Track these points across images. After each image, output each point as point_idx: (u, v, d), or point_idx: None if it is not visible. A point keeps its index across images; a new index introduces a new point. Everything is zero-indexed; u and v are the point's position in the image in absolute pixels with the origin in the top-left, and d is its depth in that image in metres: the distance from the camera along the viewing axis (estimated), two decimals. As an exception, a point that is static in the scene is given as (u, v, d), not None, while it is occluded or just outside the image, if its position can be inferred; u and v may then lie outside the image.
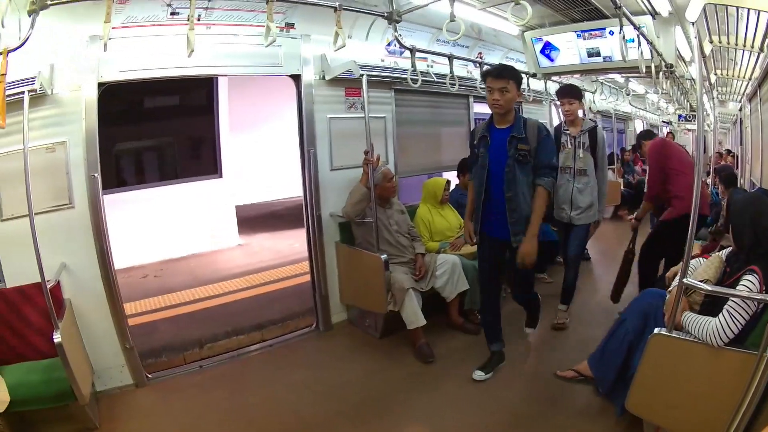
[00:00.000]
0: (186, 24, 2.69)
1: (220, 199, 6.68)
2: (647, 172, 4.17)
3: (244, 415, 2.85)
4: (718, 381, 1.97)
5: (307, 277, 4.06)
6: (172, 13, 3.08)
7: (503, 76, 2.77)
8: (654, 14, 3.99)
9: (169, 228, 6.12)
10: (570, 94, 3.74)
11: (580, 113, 3.86)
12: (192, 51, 2.58)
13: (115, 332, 3.10)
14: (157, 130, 6.78)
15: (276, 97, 7.38)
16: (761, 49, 4.10)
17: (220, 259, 6.20)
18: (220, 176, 6.68)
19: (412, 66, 3.67)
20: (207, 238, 6.46)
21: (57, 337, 2.37)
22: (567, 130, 3.78)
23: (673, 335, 2.06)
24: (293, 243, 6.40)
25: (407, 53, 3.76)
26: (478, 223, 3.01)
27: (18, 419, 2.50)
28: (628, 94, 7.91)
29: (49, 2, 2.30)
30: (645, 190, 4.11)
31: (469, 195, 3.22)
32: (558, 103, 3.99)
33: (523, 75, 5.16)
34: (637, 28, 3.54)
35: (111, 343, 3.09)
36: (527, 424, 2.66)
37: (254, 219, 7.99)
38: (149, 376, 3.24)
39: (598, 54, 4.62)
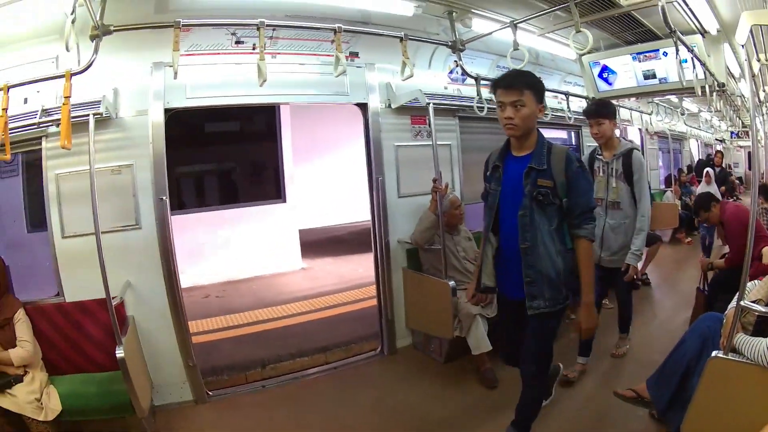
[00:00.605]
0: (250, 53, 2.80)
1: (283, 223, 6.77)
2: (730, 237, 3.87)
3: (305, 433, 2.88)
4: None
5: (372, 302, 4.11)
6: (237, 42, 3.21)
7: (515, 85, 2.10)
8: (703, 33, 3.99)
9: (232, 250, 6.24)
10: (597, 113, 3.18)
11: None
12: (264, 80, 2.69)
13: (178, 349, 3.16)
14: (220, 155, 7.05)
15: (337, 124, 7.56)
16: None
17: (283, 281, 6.24)
18: (284, 201, 6.79)
19: (478, 94, 3.75)
20: (270, 260, 6.53)
21: (120, 353, 2.43)
22: (600, 154, 3.30)
23: (729, 357, 2.04)
24: (356, 268, 6.38)
25: (469, 80, 3.83)
26: (487, 277, 2.34)
27: (73, 428, 2.57)
28: (683, 114, 7.75)
29: (112, 28, 2.42)
30: (729, 255, 3.86)
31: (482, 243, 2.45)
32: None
33: (582, 98, 5.22)
34: (690, 49, 3.52)
35: (173, 360, 3.16)
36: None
37: (317, 243, 8.02)
38: (210, 393, 3.28)
39: (653, 76, 4.63)
